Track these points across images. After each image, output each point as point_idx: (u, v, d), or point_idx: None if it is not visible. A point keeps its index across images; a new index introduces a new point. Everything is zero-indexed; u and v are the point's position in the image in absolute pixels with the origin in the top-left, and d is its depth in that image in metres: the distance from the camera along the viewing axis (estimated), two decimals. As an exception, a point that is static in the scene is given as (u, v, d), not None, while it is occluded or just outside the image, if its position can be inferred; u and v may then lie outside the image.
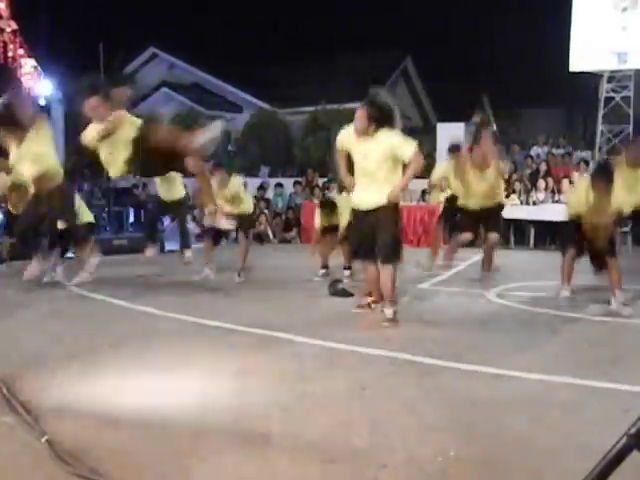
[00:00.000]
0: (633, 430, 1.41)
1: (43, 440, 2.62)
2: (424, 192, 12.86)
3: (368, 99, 5.13)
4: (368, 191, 5.07)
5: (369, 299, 5.61)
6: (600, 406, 3.17)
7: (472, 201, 7.11)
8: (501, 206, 7.54)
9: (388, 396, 3.32)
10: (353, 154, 5.19)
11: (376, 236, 5.05)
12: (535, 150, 15.75)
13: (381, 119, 5.01)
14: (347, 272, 7.51)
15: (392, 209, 5.08)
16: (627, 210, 6.17)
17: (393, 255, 5.09)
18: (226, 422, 2.95)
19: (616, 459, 1.43)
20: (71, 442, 2.64)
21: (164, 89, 23.83)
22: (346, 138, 5.24)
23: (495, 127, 22.27)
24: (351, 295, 6.21)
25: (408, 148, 4.97)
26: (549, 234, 12.02)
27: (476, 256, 9.94)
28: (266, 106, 21.63)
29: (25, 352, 4.22)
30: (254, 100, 22.64)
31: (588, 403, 3.23)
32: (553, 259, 10.00)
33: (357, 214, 5.30)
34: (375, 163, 5.00)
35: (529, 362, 3.94)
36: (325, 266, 7.76)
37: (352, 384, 3.48)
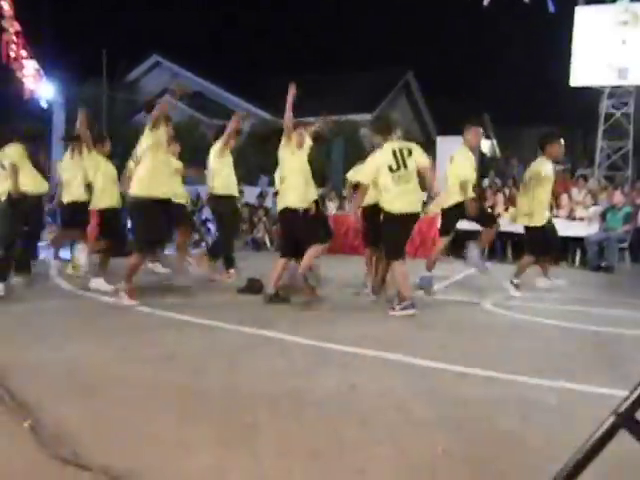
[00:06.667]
0: (621, 409, 1.38)
1: (25, 424, 2.59)
2: (424, 203, 12.78)
3: None
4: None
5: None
6: (590, 409, 3.12)
7: None
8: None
9: (378, 394, 3.29)
10: None
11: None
12: (535, 165, 15.79)
13: None
14: None
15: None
16: None
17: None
18: (212, 414, 2.92)
19: (604, 438, 1.39)
20: (54, 427, 2.62)
21: (166, 97, 23.92)
22: None
23: (496, 143, 22.40)
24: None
25: None
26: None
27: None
28: (267, 116, 21.68)
29: (13, 343, 4.21)
30: (255, 110, 22.69)
31: (578, 406, 3.21)
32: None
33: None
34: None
35: (521, 366, 3.91)
36: None
37: (342, 382, 3.45)
